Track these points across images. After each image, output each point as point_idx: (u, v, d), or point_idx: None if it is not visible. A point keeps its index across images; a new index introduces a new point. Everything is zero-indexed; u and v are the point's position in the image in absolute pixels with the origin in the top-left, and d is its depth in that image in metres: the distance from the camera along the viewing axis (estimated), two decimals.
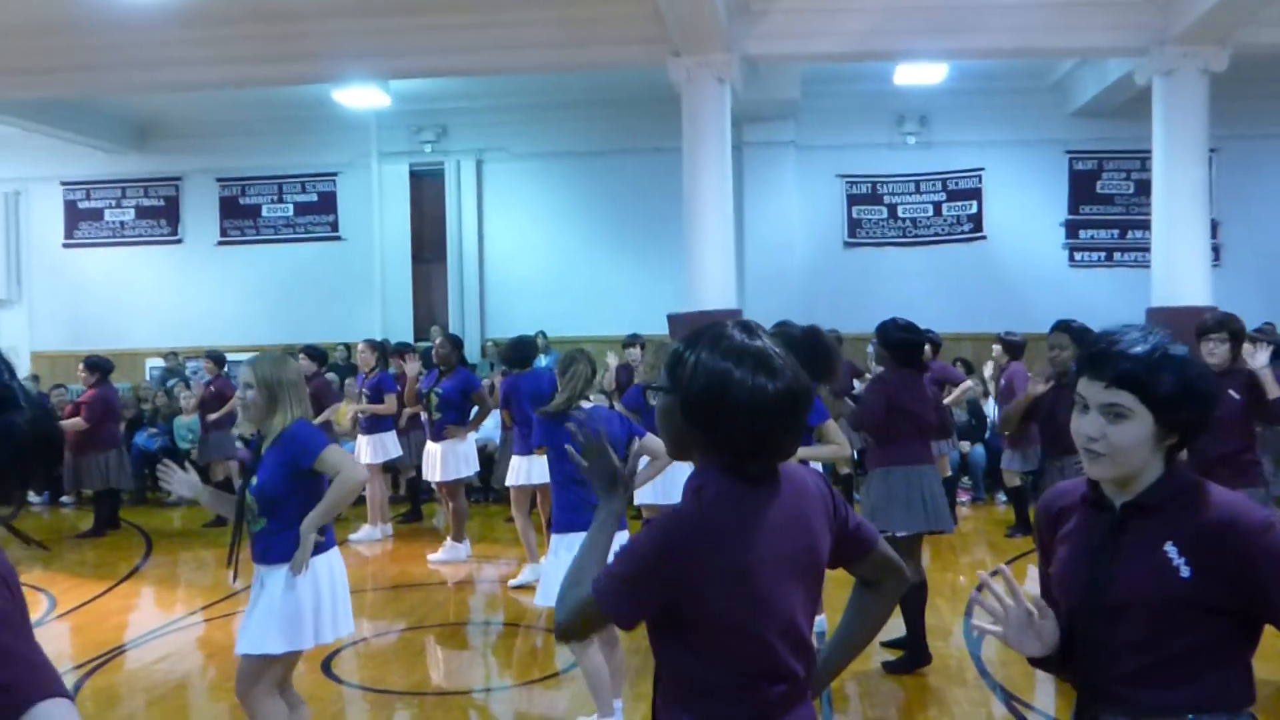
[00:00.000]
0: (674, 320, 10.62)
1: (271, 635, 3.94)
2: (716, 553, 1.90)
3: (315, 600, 4.00)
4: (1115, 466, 2.00)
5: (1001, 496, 10.87)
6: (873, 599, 2.23)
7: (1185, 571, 1.93)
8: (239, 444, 11.34)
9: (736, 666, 1.94)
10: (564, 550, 4.75)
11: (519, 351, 8.21)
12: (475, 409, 9.01)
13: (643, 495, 7.06)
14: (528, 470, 7.90)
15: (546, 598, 4.80)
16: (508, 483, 8.26)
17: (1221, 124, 10.91)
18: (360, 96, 12.94)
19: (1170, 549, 1.94)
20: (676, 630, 1.95)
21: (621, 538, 4.67)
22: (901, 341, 5.80)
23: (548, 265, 14.59)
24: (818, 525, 2.04)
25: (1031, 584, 7.70)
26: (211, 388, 11.22)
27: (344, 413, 10.13)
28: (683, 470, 6.90)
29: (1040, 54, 11.49)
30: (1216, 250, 12.06)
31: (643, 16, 9.74)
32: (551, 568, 4.78)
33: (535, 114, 14.12)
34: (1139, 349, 1.97)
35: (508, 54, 10.55)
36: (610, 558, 2.00)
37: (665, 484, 7.01)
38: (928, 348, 9.30)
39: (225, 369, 11.41)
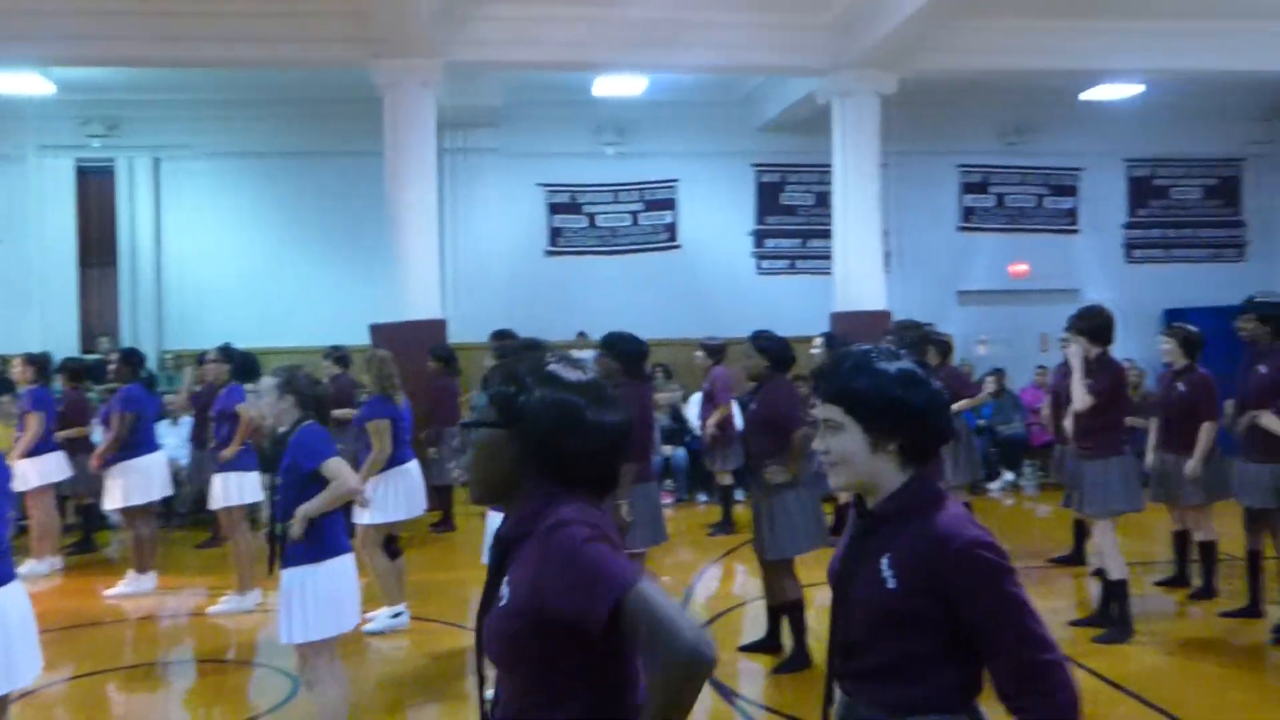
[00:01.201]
0: (377, 330, 10.30)
1: None
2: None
3: None
4: (845, 475, 2.13)
5: (702, 496, 11.29)
6: None
7: (891, 583, 2.04)
8: None
9: (632, 684, 1.90)
10: (308, 583, 4.30)
11: (249, 364, 7.69)
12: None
13: (372, 514, 6.74)
14: (241, 488, 7.63)
15: (290, 634, 4.36)
16: (221, 504, 7.69)
17: (890, 141, 11.84)
18: (17, 83, 11.62)
19: (884, 560, 2.05)
20: (592, 667, 1.86)
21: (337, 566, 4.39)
22: (635, 352, 5.90)
23: (236, 272, 13.70)
24: None
25: (737, 582, 8.00)
26: None
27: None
28: (395, 486, 6.73)
29: (731, 71, 12.05)
30: (887, 257, 13.05)
31: (345, 15, 9.37)
32: (300, 603, 4.30)
33: (223, 111, 13.22)
34: (846, 364, 2.12)
35: (191, 46, 9.85)
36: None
37: (393, 500, 6.81)
38: None
39: None
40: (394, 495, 6.87)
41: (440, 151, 11.56)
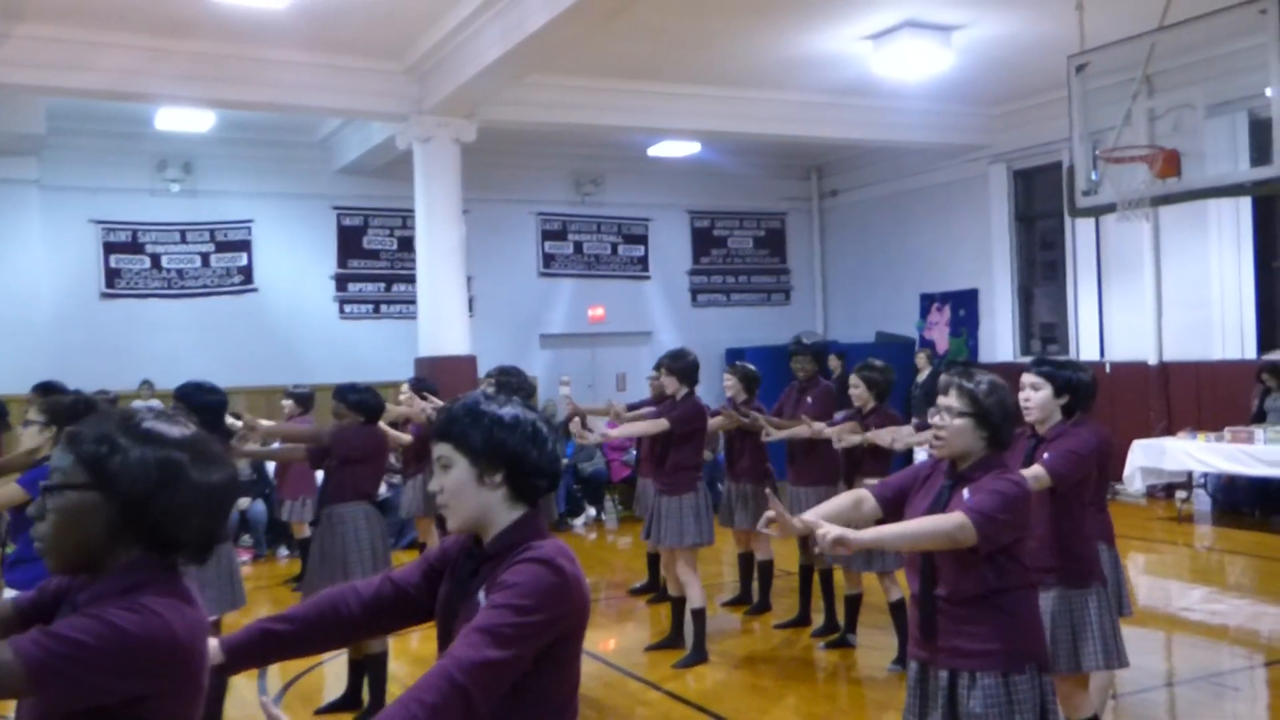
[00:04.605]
0: None
1: None
2: (194, 656, 1.79)
3: None
4: (458, 515, 2.20)
5: (283, 550, 10.76)
6: None
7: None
8: None
9: None
10: None
11: None
12: None
13: None
14: None
15: None
16: None
17: (472, 188, 12.02)
18: None
19: (481, 591, 2.13)
20: None
21: None
22: (365, 402, 5.75)
23: None
24: None
25: None
26: None
27: None
28: None
29: (305, 111, 11.67)
30: (471, 302, 13.21)
31: None
32: None
33: None
34: (457, 406, 2.24)
35: None
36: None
37: None
38: None
39: None
40: None
41: None
